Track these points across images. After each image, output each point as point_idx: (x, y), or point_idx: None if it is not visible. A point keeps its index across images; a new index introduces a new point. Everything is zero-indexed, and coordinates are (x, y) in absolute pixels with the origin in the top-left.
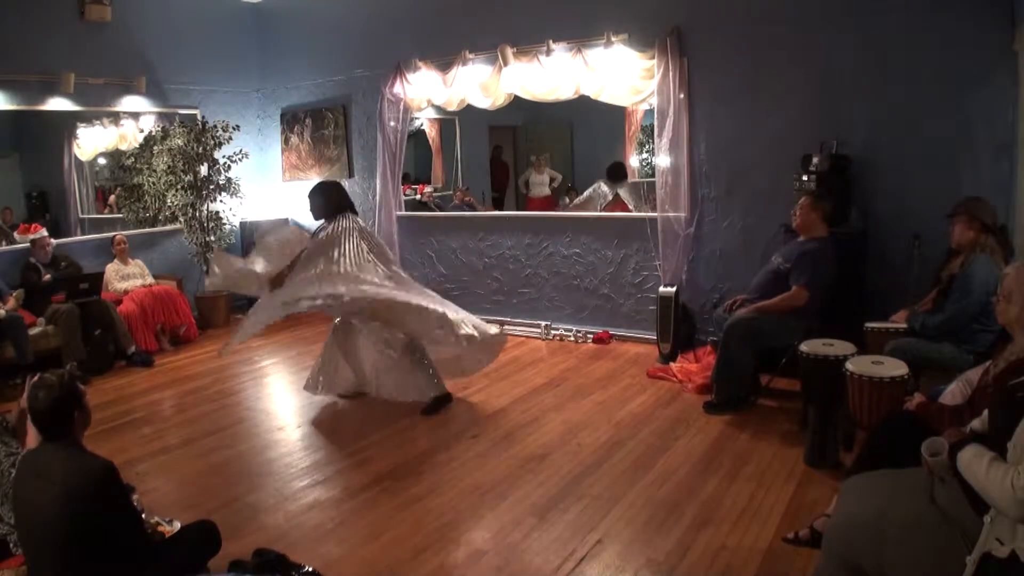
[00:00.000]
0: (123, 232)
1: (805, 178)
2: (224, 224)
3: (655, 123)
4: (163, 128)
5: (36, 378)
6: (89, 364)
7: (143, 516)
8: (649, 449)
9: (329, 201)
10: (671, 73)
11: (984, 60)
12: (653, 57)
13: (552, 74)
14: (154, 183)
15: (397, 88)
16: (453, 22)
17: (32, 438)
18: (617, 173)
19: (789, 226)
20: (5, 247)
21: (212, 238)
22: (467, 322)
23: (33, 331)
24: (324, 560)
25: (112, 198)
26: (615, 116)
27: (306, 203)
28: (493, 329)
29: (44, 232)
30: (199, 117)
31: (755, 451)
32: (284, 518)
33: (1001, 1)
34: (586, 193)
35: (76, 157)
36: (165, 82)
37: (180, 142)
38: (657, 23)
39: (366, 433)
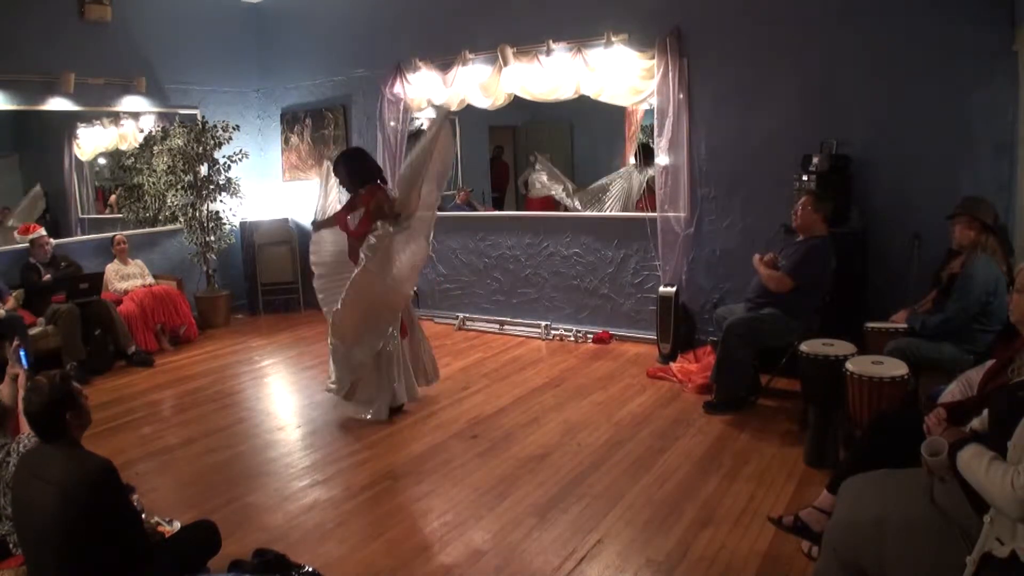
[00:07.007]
0: (123, 232)
1: (805, 178)
2: (224, 224)
3: (655, 123)
4: (163, 128)
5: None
6: (89, 364)
7: (143, 516)
8: (649, 449)
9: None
10: (671, 73)
11: (984, 60)
12: (653, 57)
13: (552, 74)
14: (154, 183)
15: (397, 88)
16: (453, 22)
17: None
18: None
19: (789, 226)
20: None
21: (212, 238)
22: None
23: (33, 331)
24: (324, 560)
25: (112, 198)
26: (615, 116)
27: (307, 204)
28: None
29: (43, 232)
30: (199, 117)
31: (755, 451)
32: (284, 518)
33: (1001, 1)
34: (608, 180)
35: (76, 157)
36: (165, 82)
37: (180, 142)
38: (657, 23)
39: (366, 433)
